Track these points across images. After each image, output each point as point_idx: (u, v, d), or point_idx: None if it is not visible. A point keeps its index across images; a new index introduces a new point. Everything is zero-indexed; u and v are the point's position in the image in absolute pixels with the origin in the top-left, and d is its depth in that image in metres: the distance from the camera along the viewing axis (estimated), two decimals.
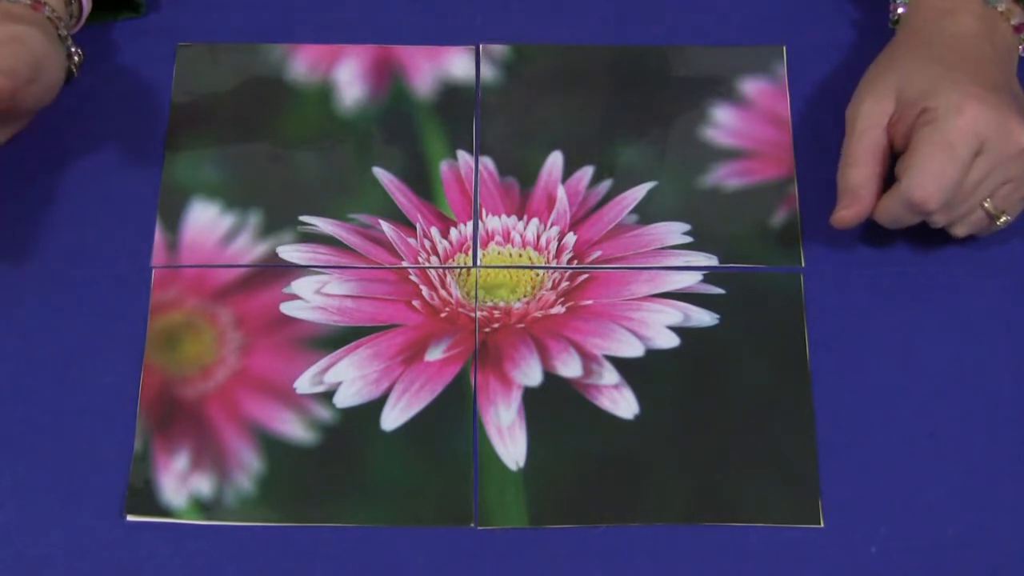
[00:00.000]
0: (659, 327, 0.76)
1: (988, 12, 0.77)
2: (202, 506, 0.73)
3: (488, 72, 0.84)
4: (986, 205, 0.74)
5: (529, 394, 0.75)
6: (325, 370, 0.75)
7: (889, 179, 0.75)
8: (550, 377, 0.75)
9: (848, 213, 0.75)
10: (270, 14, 0.86)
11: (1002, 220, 0.75)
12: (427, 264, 0.79)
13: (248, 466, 0.73)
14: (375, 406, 0.74)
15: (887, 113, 0.75)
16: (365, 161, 0.82)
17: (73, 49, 0.81)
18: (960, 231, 0.76)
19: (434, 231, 0.80)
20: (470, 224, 0.80)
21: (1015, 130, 0.72)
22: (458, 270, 0.79)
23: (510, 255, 0.79)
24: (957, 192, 0.73)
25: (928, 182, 0.72)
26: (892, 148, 0.75)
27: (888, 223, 0.75)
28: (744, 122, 0.83)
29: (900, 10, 0.80)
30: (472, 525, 0.72)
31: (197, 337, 0.77)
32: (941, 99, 0.73)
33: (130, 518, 0.72)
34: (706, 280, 0.78)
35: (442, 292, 0.78)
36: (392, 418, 0.74)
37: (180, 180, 0.81)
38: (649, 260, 0.78)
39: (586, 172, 0.81)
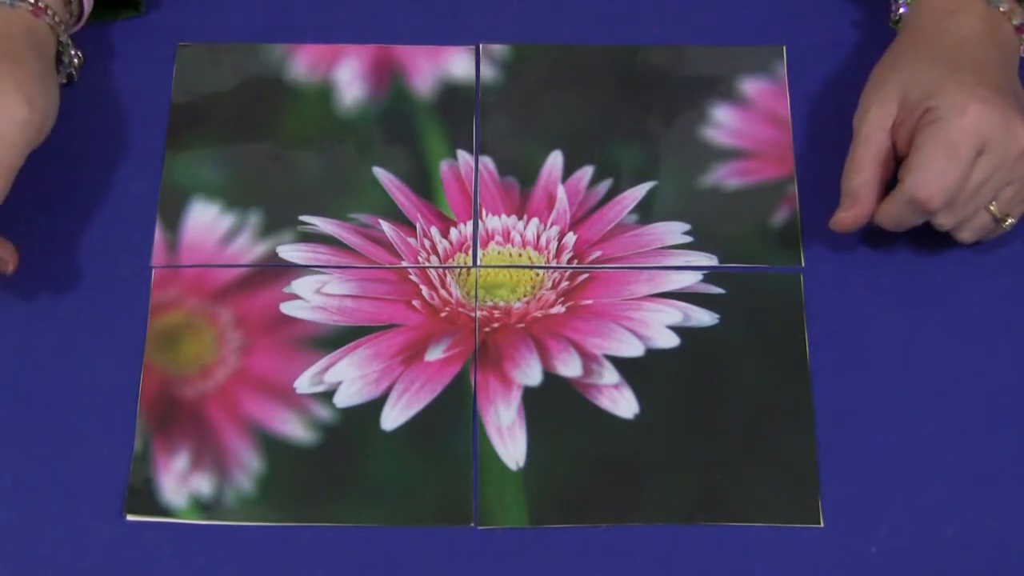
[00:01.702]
0: (659, 327, 0.76)
1: (991, 12, 0.77)
2: (202, 506, 0.73)
3: (488, 72, 0.84)
4: (991, 208, 0.74)
5: (529, 394, 0.75)
6: (325, 370, 0.75)
7: (893, 183, 0.75)
8: (550, 377, 0.75)
9: (847, 215, 0.75)
10: (270, 14, 0.86)
11: (1007, 223, 0.75)
12: (427, 264, 0.79)
13: (248, 466, 0.73)
14: (375, 406, 0.74)
15: (892, 116, 0.75)
16: (365, 161, 0.82)
17: (73, 52, 0.80)
18: (966, 236, 0.75)
19: (434, 231, 0.80)
20: (470, 224, 0.80)
21: (1018, 131, 0.72)
22: (458, 270, 0.79)
23: (510, 255, 0.79)
24: (960, 192, 0.73)
25: (931, 181, 0.72)
26: (897, 152, 0.75)
27: (892, 225, 0.75)
28: (744, 122, 0.83)
29: (901, 10, 0.80)
30: (472, 525, 0.72)
31: (197, 337, 0.77)
32: (944, 99, 0.72)
33: (130, 518, 0.72)
34: (706, 280, 0.78)
35: (442, 292, 0.78)
36: (392, 418, 0.74)
37: (180, 180, 0.81)
38: (649, 260, 0.78)
39: (586, 172, 0.81)
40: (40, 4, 0.77)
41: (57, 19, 0.78)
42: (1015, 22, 0.77)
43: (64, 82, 0.81)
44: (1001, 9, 0.77)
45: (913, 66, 0.75)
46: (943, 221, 0.74)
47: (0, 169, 0.73)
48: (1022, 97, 0.76)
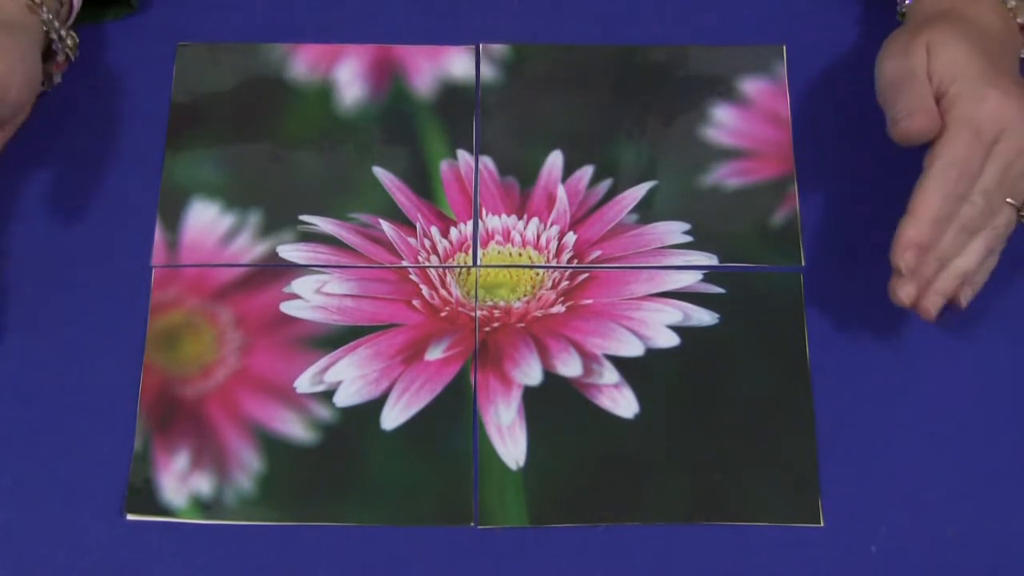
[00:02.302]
0: (659, 326, 0.76)
1: (1003, 9, 0.76)
2: (202, 506, 0.73)
3: (488, 72, 0.85)
4: (1010, 201, 0.72)
5: (529, 393, 0.75)
6: (325, 369, 0.75)
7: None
8: (550, 376, 0.75)
9: (912, 124, 0.71)
10: (270, 14, 0.86)
11: None
12: (427, 263, 0.79)
13: (248, 466, 0.73)
14: (375, 406, 0.74)
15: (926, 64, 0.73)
16: (365, 161, 0.82)
17: (64, 33, 0.79)
18: (1004, 232, 0.73)
19: (434, 230, 0.80)
20: (470, 223, 0.80)
21: None
22: (458, 269, 0.79)
23: (510, 254, 0.79)
24: (989, 183, 0.71)
25: (958, 160, 0.70)
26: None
27: (933, 217, 0.71)
28: (744, 122, 0.83)
29: (907, 1, 0.79)
30: (472, 525, 0.72)
31: (197, 337, 0.77)
32: (964, 84, 0.71)
33: (130, 518, 0.72)
34: (706, 279, 0.78)
35: (442, 291, 0.78)
36: (392, 418, 0.74)
37: (180, 180, 0.81)
38: (649, 259, 0.79)
39: (586, 172, 0.81)
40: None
41: (52, 18, 0.77)
42: (1020, 20, 0.77)
43: (63, 59, 0.80)
44: (1009, 5, 0.76)
45: (936, 29, 0.73)
46: (974, 213, 0.71)
47: None
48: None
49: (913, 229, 0.71)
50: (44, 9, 0.77)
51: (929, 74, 0.73)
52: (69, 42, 0.80)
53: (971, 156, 0.71)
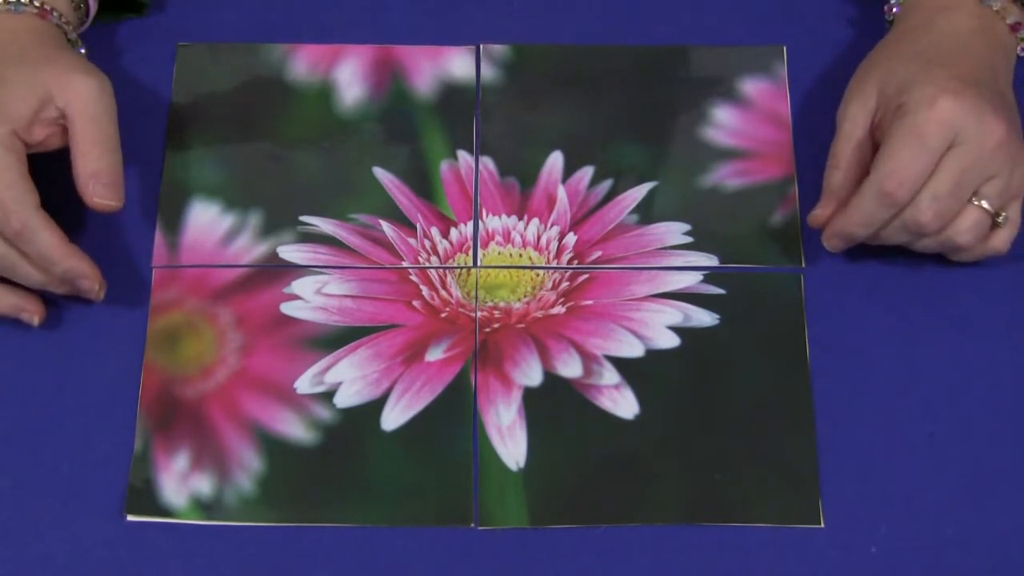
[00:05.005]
0: (659, 327, 0.76)
1: (983, 11, 0.76)
2: (202, 506, 0.73)
3: (488, 72, 0.85)
4: (984, 205, 0.73)
5: (529, 394, 0.75)
6: (325, 370, 0.75)
7: None
8: (550, 377, 0.75)
9: (823, 212, 0.75)
10: (270, 14, 0.86)
11: (1001, 217, 0.74)
12: (427, 264, 0.79)
13: (248, 466, 0.73)
14: (375, 406, 0.74)
15: (871, 112, 0.74)
16: (365, 161, 0.82)
17: (74, 37, 0.80)
18: (963, 239, 0.73)
19: (434, 231, 0.80)
20: (470, 224, 0.80)
21: (990, 122, 0.71)
22: (458, 270, 0.79)
23: (510, 255, 0.79)
24: (935, 187, 0.71)
25: (896, 170, 0.71)
26: (876, 149, 0.74)
27: (863, 225, 0.73)
28: (744, 122, 0.83)
29: (895, 10, 0.80)
30: (472, 525, 0.72)
31: (197, 337, 0.77)
32: (915, 92, 0.72)
33: (130, 518, 0.72)
34: (706, 280, 0.78)
35: (442, 292, 0.78)
36: (392, 418, 0.74)
37: (180, 180, 0.81)
38: (649, 260, 0.79)
39: (586, 172, 0.81)
40: (46, 6, 0.77)
41: (64, 20, 0.78)
42: (1009, 21, 0.77)
43: None
44: (994, 8, 0.77)
45: (893, 61, 0.75)
46: (925, 220, 0.72)
47: (109, 143, 0.74)
48: (1006, 95, 0.75)
49: (840, 225, 0.74)
50: (70, 28, 0.78)
51: (878, 102, 0.74)
52: (82, 50, 0.80)
53: (911, 165, 0.71)
